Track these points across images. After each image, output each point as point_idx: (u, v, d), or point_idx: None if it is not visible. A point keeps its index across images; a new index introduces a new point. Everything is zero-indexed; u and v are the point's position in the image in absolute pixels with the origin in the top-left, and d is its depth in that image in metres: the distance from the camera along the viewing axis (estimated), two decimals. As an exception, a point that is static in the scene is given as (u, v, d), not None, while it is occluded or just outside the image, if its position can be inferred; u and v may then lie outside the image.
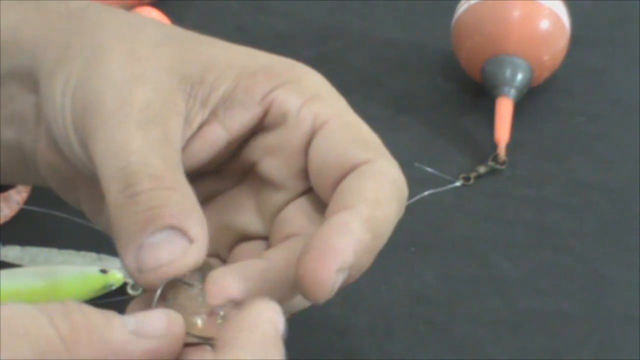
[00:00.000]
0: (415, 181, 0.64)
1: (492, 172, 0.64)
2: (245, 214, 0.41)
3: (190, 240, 0.35)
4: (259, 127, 0.40)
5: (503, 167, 0.65)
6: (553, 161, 0.66)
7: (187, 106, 0.39)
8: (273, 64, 0.41)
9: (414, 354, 0.52)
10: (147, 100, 0.38)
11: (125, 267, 0.35)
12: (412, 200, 0.62)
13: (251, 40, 0.76)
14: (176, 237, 0.35)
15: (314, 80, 0.41)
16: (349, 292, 0.56)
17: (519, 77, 0.68)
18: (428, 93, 0.72)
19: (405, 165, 0.66)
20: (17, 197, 0.59)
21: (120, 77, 0.38)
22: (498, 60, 0.68)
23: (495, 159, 0.65)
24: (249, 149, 0.41)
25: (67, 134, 0.39)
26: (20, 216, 0.59)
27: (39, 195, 0.59)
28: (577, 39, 0.71)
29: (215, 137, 0.40)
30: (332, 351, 0.52)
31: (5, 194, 0.58)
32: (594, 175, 0.65)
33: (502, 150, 0.65)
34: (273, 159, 0.40)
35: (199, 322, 0.34)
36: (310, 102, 0.40)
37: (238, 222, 0.41)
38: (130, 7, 0.75)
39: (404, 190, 0.39)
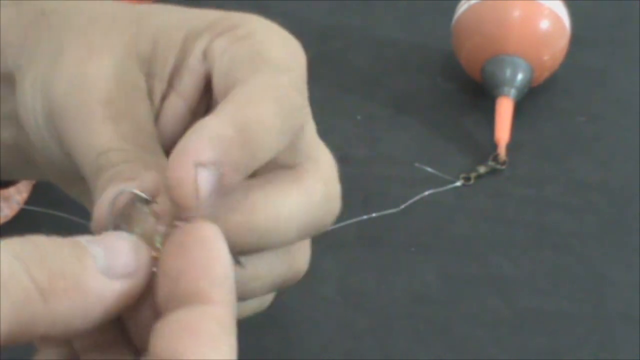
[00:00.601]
0: (415, 181, 0.64)
1: (492, 172, 0.64)
2: None
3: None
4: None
5: (503, 167, 0.65)
6: (553, 161, 0.66)
7: (148, 85, 0.39)
8: (218, 19, 0.40)
9: (414, 354, 0.52)
10: (110, 95, 0.38)
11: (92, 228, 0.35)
12: (412, 200, 0.62)
13: (251, 40, 0.77)
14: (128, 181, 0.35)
15: (251, 23, 0.40)
16: (349, 292, 0.56)
17: (519, 77, 0.68)
18: (428, 93, 0.72)
19: (406, 165, 0.67)
20: (18, 197, 0.59)
21: (78, 74, 0.38)
22: (498, 60, 0.68)
23: (496, 159, 0.65)
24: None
25: (43, 137, 0.39)
26: (20, 216, 0.59)
27: (39, 195, 0.59)
28: (577, 39, 0.71)
29: (176, 110, 0.39)
30: (332, 351, 0.52)
31: (6, 194, 0.58)
32: (594, 175, 0.65)
33: (502, 150, 0.65)
34: None
35: (158, 240, 0.33)
36: (233, 44, 0.38)
37: None
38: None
39: (293, 98, 0.36)
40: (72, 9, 0.41)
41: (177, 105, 0.39)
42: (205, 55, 0.39)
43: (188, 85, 0.39)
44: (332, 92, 0.72)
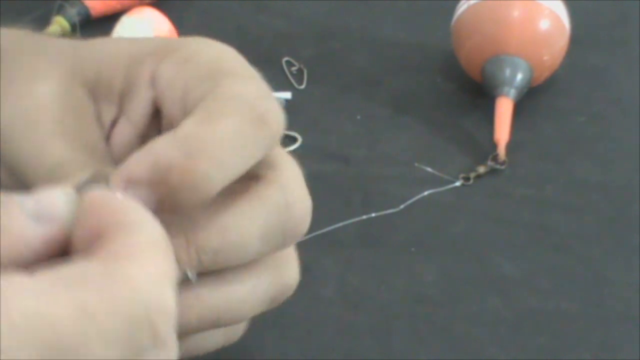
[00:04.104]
0: (415, 181, 0.64)
1: (492, 172, 0.64)
2: None
3: None
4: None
5: (503, 167, 0.65)
6: (553, 161, 0.66)
7: (96, 109, 0.39)
8: (160, 45, 0.39)
9: (414, 354, 0.52)
10: (58, 114, 0.37)
11: None
12: (412, 200, 0.62)
13: (251, 40, 0.77)
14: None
15: (191, 44, 0.39)
16: (349, 292, 0.56)
17: (519, 77, 0.68)
18: (428, 93, 0.72)
19: (405, 165, 0.67)
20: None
21: (25, 95, 0.38)
22: (498, 60, 0.68)
23: (495, 159, 0.65)
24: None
25: None
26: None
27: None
28: (577, 39, 0.71)
29: (125, 136, 0.39)
30: (332, 351, 0.52)
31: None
32: (594, 175, 0.65)
33: (502, 150, 0.65)
34: None
35: None
36: (182, 68, 0.37)
37: None
38: (130, 7, 0.75)
39: (258, 106, 0.35)
40: (17, 43, 0.41)
41: (125, 132, 0.39)
42: (153, 81, 0.38)
43: (136, 111, 0.39)
44: (332, 92, 0.72)
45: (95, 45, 0.40)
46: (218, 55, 0.38)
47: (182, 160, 0.32)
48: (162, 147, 0.33)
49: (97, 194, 0.30)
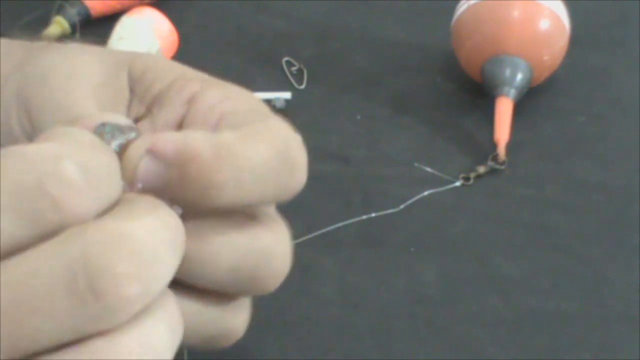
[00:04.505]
0: (415, 181, 0.64)
1: (492, 172, 0.64)
2: None
3: None
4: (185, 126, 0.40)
5: (503, 167, 0.65)
6: (553, 161, 0.66)
7: (129, 100, 0.40)
8: (210, 78, 0.41)
9: (414, 354, 0.52)
10: (100, 83, 0.39)
11: None
12: (411, 200, 0.62)
13: (251, 40, 0.77)
14: None
15: (240, 89, 0.40)
16: (349, 292, 0.56)
17: (519, 77, 0.68)
18: (428, 93, 0.72)
19: (405, 165, 0.67)
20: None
21: (74, 59, 0.40)
22: (498, 60, 0.68)
23: (495, 159, 0.65)
24: None
25: (10, 127, 0.40)
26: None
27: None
28: (577, 39, 0.71)
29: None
30: (332, 351, 0.52)
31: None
32: (594, 175, 0.65)
33: (501, 150, 0.65)
34: None
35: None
36: (227, 99, 0.39)
37: None
38: (130, 7, 0.75)
39: (293, 153, 0.36)
40: (74, 47, 0.43)
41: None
42: (192, 100, 0.39)
43: (162, 120, 0.40)
44: (332, 92, 0.72)
45: (147, 54, 0.43)
46: (260, 102, 0.39)
47: (209, 158, 0.33)
48: (197, 137, 0.33)
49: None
